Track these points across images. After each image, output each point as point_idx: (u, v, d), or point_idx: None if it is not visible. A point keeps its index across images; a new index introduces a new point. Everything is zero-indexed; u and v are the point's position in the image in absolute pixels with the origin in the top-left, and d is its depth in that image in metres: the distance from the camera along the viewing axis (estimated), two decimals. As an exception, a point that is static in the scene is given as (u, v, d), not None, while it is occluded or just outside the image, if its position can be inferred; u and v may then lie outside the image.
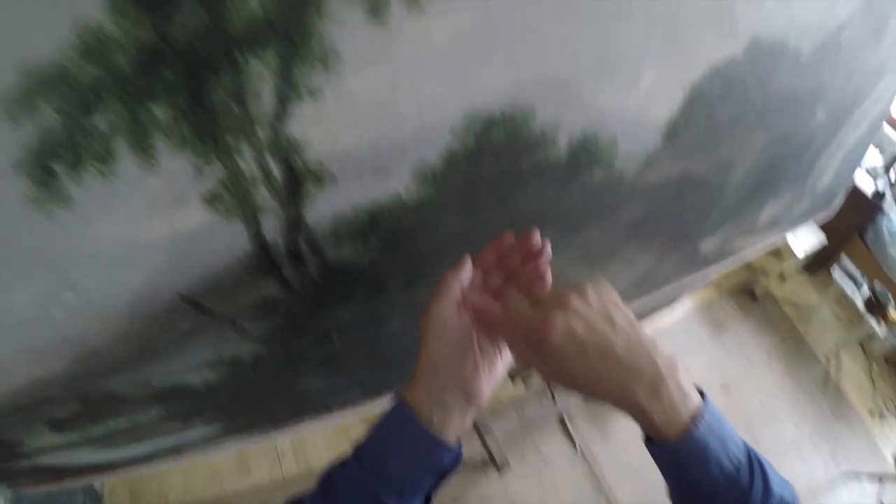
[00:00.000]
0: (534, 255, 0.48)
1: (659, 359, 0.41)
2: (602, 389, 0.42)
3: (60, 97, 0.34)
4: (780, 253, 2.43)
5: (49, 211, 0.38)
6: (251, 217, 0.44)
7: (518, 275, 0.49)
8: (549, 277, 0.49)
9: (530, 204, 0.58)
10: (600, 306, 0.43)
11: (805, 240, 2.39)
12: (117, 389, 0.56)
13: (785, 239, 1.77)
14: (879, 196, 2.32)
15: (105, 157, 0.37)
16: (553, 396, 2.00)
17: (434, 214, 0.51)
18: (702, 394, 0.43)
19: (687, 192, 0.78)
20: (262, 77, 0.37)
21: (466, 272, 0.47)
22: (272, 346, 0.60)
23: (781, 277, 2.63)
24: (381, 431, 0.45)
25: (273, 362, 0.63)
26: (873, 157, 2.41)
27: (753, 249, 1.16)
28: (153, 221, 0.42)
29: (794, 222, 1.16)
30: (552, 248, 0.48)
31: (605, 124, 0.56)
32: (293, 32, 0.36)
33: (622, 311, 0.43)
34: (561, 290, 0.44)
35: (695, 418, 0.41)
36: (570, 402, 1.98)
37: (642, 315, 1.07)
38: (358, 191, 0.45)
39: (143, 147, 0.38)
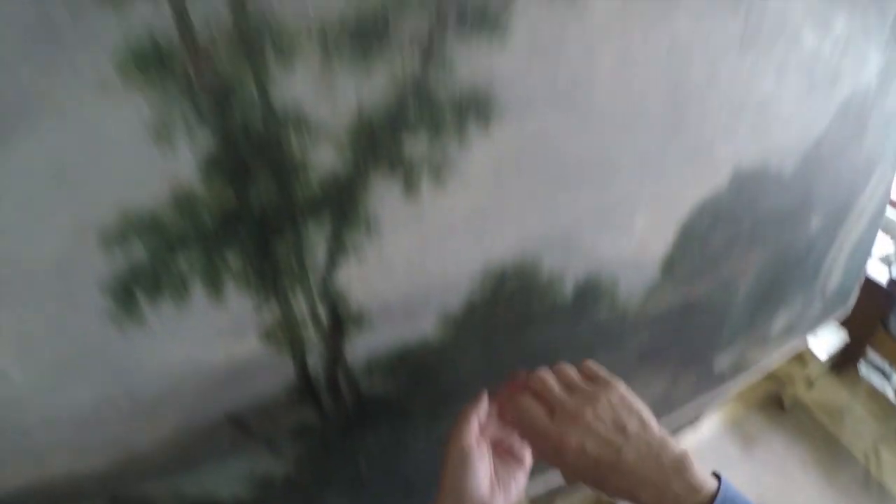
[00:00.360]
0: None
1: (667, 460, 0.44)
2: (612, 491, 0.45)
3: (150, 238, 0.41)
4: (803, 358, 2.38)
5: (124, 327, 0.44)
6: (299, 352, 0.51)
7: None
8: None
9: (543, 339, 0.64)
10: (612, 416, 0.46)
11: (826, 340, 2.32)
12: (149, 492, 0.59)
13: (805, 343, 1.75)
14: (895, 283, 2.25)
15: (180, 290, 0.44)
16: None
17: (456, 353, 0.58)
18: (719, 478, 0.44)
19: (692, 315, 0.83)
20: (316, 238, 0.45)
21: (484, 406, 0.52)
22: (303, 467, 0.64)
23: (808, 383, 2.55)
24: None
25: (303, 482, 0.67)
26: (884, 245, 2.31)
27: (771, 359, 1.17)
28: (213, 347, 0.48)
29: (810, 326, 1.17)
30: None
31: (605, 266, 0.63)
32: (344, 204, 0.45)
33: (635, 413, 0.46)
34: (576, 404, 0.47)
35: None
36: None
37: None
38: (390, 332, 0.52)
39: (214, 285, 0.45)
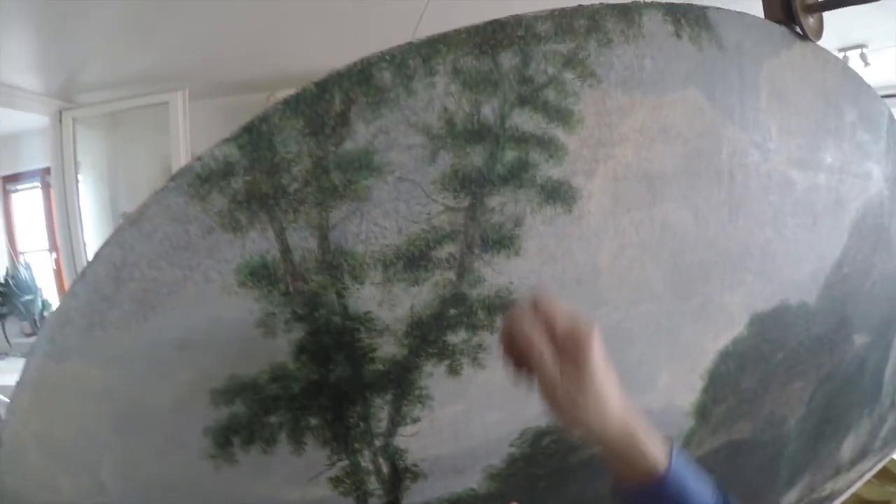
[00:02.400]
0: None
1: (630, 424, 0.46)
2: (606, 411, 0.46)
3: (250, 398, 0.52)
4: (893, 475, 2.15)
5: (218, 465, 0.54)
6: (362, 499, 0.59)
7: None
8: None
9: (584, 490, 0.69)
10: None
11: None
12: None
13: (891, 460, 1.58)
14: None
15: (269, 441, 0.55)
16: None
17: (501, 502, 0.64)
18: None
19: (740, 456, 0.83)
20: (380, 407, 0.56)
21: None
22: None
23: None
24: None
25: None
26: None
27: (853, 487, 1.09)
28: (290, 489, 0.57)
29: (887, 443, 1.11)
30: None
31: (638, 421, 0.68)
32: (402, 383, 0.55)
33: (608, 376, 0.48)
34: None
35: (670, 456, 0.45)
36: None
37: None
38: (441, 484, 0.60)
39: (296, 440, 0.55)
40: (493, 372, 0.57)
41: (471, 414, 0.58)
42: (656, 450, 0.45)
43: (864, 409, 0.97)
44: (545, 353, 0.45)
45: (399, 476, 0.59)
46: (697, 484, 0.45)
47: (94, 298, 0.47)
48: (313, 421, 0.55)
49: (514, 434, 0.60)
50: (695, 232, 0.62)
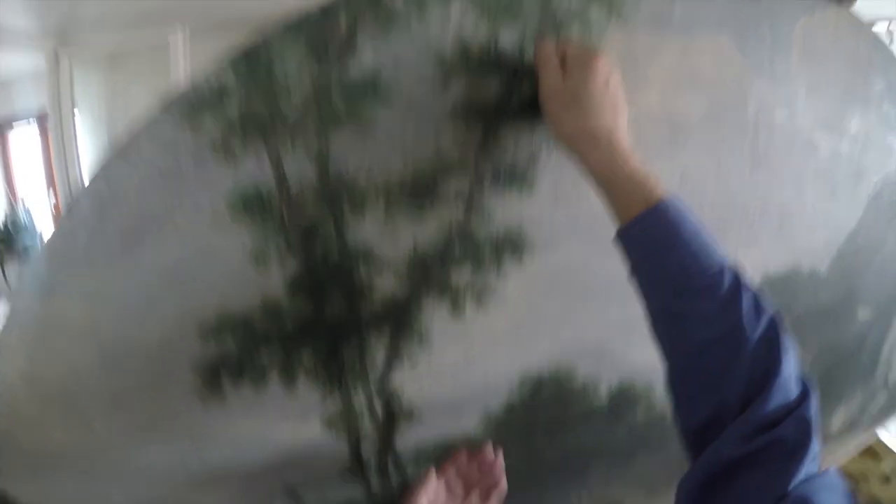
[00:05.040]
0: (489, 466, 0.58)
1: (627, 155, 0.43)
2: (612, 129, 0.44)
3: (241, 334, 0.51)
4: (876, 452, 2.19)
5: (205, 401, 0.53)
6: (354, 438, 0.59)
7: (477, 482, 0.58)
8: (503, 484, 0.58)
9: (581, 442, 0.69)
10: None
11: None
12: None
13: (876, 436, 1.63)
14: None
15: (260, 379, 0.53)
16: None
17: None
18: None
19: None
20: (377, 346, 0.54)
21: (431, 484, 0.56)
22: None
23: (884, 478, 2.33)
24: None
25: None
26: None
27: (836, 457, 1.13)
28: (280, 427, 0.57)
29: (876, 420, 1.12)
30: (605, 478, 0.57)
31: (639, 374, 0.67)
32: (401, 320, 0.54)
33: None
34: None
35: (664, 194, 0.41)
36: None
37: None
38: (437, 428, 0.59)
39: (288, 377, 0.54)
40: (498, 316, 0.55)
41: (471, 358, 0.56)
42: (653, 182, 0.42)
43: (857, 383, 0.97)
44: (553, 60, 0.44)
45: (394, 418, 0.58)
46: (699, 226, 0.42)
47: (81, 234, 0.45)
48: (306, 359, 0.54)
49: (513, 382, 0.59)
50: (715, 185, 0.60)
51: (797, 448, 0.37)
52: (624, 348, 0.64)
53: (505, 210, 0.52)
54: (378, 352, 0.54)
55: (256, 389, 0.54)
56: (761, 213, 0.65)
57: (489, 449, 0.58)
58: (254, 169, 0.46)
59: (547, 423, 0.64)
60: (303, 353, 0.54)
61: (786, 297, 0.72)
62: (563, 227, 0.55)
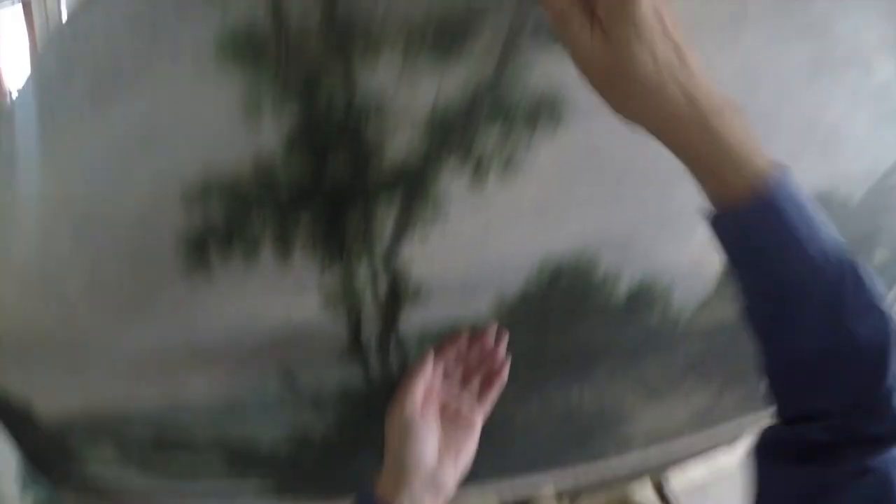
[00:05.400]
0: (490, 352, 0.54)
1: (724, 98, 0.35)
2: (691, 93, 0.34)
3: (229, 199, 0.45)
4: None
5: (193, 278, 0.48)
6: (354, 316, 0.54)
7: (477, 368, 0.55)
8: (505, 372, 0.55)
9: (591, 336, 0.65)
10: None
11: None
12: (192, 430, 0.64)
13: None
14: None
15: (250, 250, 0.48)
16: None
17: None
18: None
19: (744, 333, 0.82)
20: (385, 214, 0.48)
21: (427, 370, 0.53)
22: (342, 427, 0.67)
23: None
24: None
25: (339, 441, 0.70)
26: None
27: None
28: (274, 305, 0.52)
29: None
30: (609, 377, 0.54)
31: (661, 273, 0.62)
32: (414, 187, 0.47)
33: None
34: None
35: (771, 176, 0.33)
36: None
37: (700, 453, 1.07)
38: (445, 310, 0.55)
39: (283, 245, 0.49)
40: (523, 191, 0.49)
41: (489, 235, 0.51)
42: (757, 157, 0.33)
43: None
44: (575, 16, 0.32)
45: (399, 297, 0.53)
46: (811, 213, 0.34)
47: (46, 96, 0.41)
48: (304, 227, 0.48)
49: (532, 267, 0.54)
50: (770, 85, 0.54)
51: None
52: (652, 243, 0.59)
53: (545, 68, 0.44)
54: (386, 222, 0.48)
55: (247, 263, 0.49)
56: (809, 126, 0.59)
57: (491, 333, 0.54)
58: (245, 2, 0.39)
59: (560, 314, 0.59)
60: (300, 222, 0.48)
61: None
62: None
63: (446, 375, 0.56)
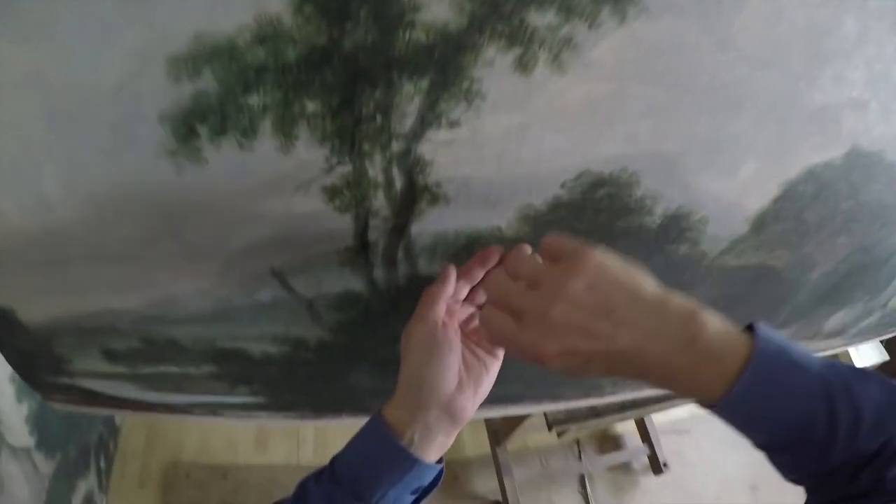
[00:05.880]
0: None
1: (673, 328, 0.36)
2: (621, 377, 0.39)
3: (224, 70, 0.38)
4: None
5: (180, 165, 0.42)
6: (363, 216, 0.48)
7: None
8: None
9: (617, 260, 0.60)
10: (593, 303, 0.37)
11: (867, 355, 2.28)
12: (180, 339, 0.60)
13: (846, 351, 1.72)
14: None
15: (248, 133, 0.41)
16: (580, 456, 1.97)
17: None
18: (752, 328, 0.37)
19: (763, 282, 0.78)
20: (410, 99, 0.41)
21: (450, 287, 0.47)
22: (339, 337, 0.63)
23: None
24: (360, 450, 0.45)
25: (334, 352, 0.66)
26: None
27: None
28: (272, 199, 0.46)
29: (859, 336, 1.11)
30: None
31: (699, 205, 0.58)
32: (448, 65, 0.40)
33: (618, 286, 0.38)
34: (544, 301, 0.38)
35: (728, 382, 0.35)
36: (596, 463, 1.94)
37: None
38: (464, 216, 0.49)
39: (286, 132, 0.42)
40: (574, 85, 0.42)
41: (527, 131, 0.44)
42: (727, 345, 0.36)
43: (866, 294, 0.93)
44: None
45: (415, 194, 0.46)
46: (793, 362, 0.36)
47: None
48: (311, 105, 0.41)
49: (569, 173, 0.47)
50: (853, 18, 0.48)
51: None
52: (699, 170, 0.54)
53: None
54: (409, 105, 0.41)
55: (243, 148, 0.42)
56: (883, 78, 0.53)
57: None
58: None
59: (588, 232, 0.54)
60: (307, 97, 0.41)
61: (862, 178, 0.64)
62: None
63: (472, 296, 0.50)
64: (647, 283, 0.39)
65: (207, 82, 0.39)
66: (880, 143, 0.60)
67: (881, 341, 2.18)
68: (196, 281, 0.52)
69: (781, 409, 0.35)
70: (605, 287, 0.38)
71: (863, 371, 0.37)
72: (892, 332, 1.16)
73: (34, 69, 0.37)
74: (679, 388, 0.37)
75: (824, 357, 0.37)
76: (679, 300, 0.38)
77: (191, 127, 0.41)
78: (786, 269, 0.77)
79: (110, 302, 0.53)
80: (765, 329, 0.37)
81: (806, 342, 1.04)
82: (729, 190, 0.58)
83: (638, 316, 0.37)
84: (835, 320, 0.98)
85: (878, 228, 0.76)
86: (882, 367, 2.32)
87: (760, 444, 0.38)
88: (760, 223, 0.64)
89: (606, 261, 0.39)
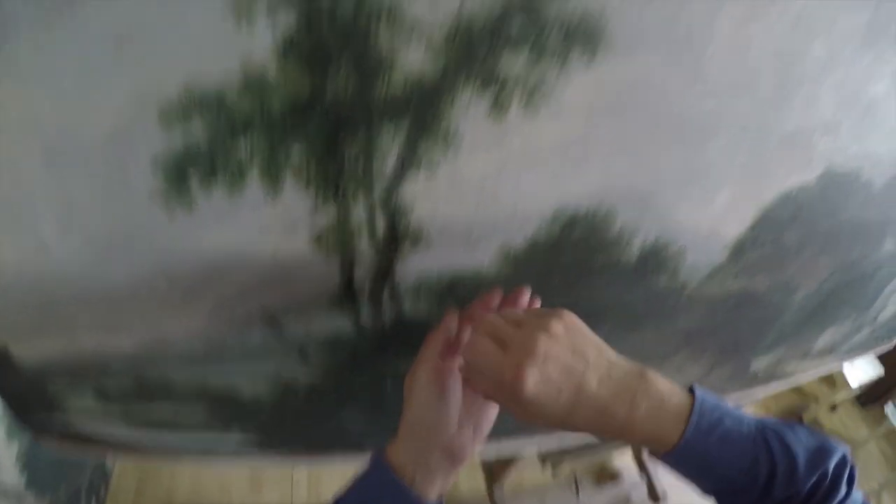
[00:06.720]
0: None
1: (630, 379, 0.41)
2: (580, 425, 0.41)
3: (213, 117, 0.40)
4: (834, 381, 2.34)
5: (171, 209, 0.43)
6: (348, 259, 0.49)
7: None
8: None
9: (595, 297, 0.61)
10: (569, 343, 0.41)
11: (861, 370, 2.29)
12: (173, 379, 0.60)
13: (840, 367, 1.73)
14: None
15: (236, 178, 0.43)
16: (578, 491, 1.95)
17: (507, 290, 0.55)
18: (693, 390, 0.42)
19: (745, 307, 0.79)
20: (390, 143, 0.42)
21: (451, 332, 0.49)
22: (328, 378, 0.64)
23: (832, 406, 2.52)
24: (362, 490, 0.46)
25: (324, 393, 0.67)
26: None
27: (806, 375, 1.13)
28: (260, 242, 0.47)
29: (852, 352, 1.12)
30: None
31: (677, 235, 0.59)
32: (426, 113, 0.42)
33: (590, 339, 0.43)
34: (528, 333, 0.42)
35: (680, 429, 0.39)
36: (594, 498, 1.92)
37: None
38: (446, 257, 0.50)
39: (272, 178, 0.43)
40: (547, 126, 0.44)
41: (504, 172, 0.45)
42: (672, 403, 0.41)
43: (854, 311, 0.95)
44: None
45: (398, 237, 0.47)
46: (725, 423, 0.40)
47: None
48: (297, 154, 0.42)
49: (546, 212, 0.49)
50: (824, 44, 0.50)
51: None
52: (674, 202, 0.55)
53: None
54: (390, 151, 0.43)
55: (232, 194, 0.43)
56: (850, 98, 0.55)
57: (524, 295, 0.49)
58: None
59: (568, 268, 0.55)
60: (293, 146, 0.42)
61: (838, 198, 0.65)
62: (651, 33, 0.43)
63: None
64: (607, 345, 0.44)
65: (197, 129, 0.40)
66: (854, 162, 0.62)
67: (877, 358, 2.19)
68: (188, 322, 0.52)
69: (726, 453, 0.39)
70: (580, 336, 0.43)
71: (791, 422, 0.42)
72: (885, 346, 1.16)
73: (31, 113, 0.39)
74: (635, 437, 0.41)
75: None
76: (630, 362, 0.43)
77: (182, 173, 0.42)
78: (768, 293, 0.79)
79: (103, 342, 0.53)
80: (700, 388, 0.42)
81: (797, 361, 1.04)
82: (705, 219, 0.59)
83: (603, 364, 0.42)
84: (825, 338, 0.99)
85: (859, 245, 0.77)
86: (878, 382, 2.33)
87: (709, 490, 0.42)
88: (739, 250, 0.65)
89: (579, 320, 0.44)
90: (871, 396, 2.52)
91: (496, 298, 0.49)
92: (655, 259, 0.60)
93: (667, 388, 0.41)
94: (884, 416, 2.49)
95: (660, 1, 0.42)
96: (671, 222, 0.57)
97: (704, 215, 0.59)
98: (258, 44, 0.38)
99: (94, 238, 0.45)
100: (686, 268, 0.64)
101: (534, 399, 0.40)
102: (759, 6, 0.45)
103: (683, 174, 0.53)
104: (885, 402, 2.50)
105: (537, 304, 0.51)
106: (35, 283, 0.47)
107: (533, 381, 0.40)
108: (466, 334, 0.50)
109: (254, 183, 0.43)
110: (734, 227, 0.63)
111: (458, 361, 0.49)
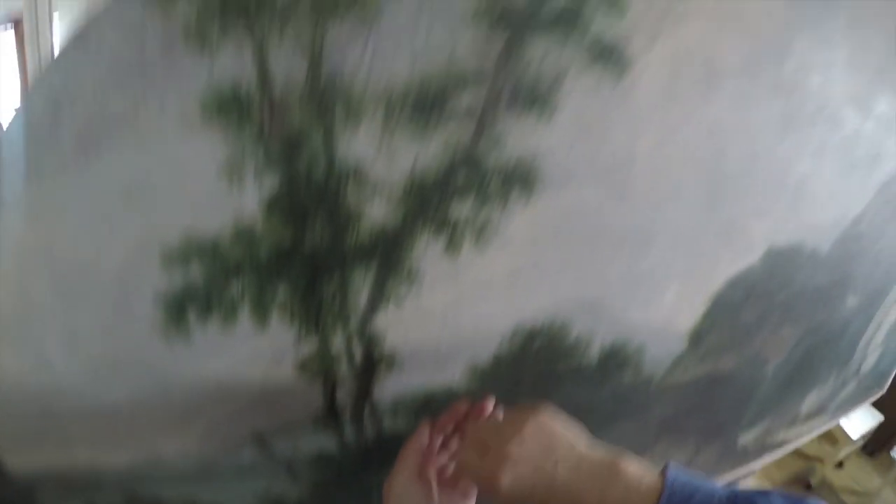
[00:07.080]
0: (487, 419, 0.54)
1: (601, 469, 0.44)
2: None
3: (208, 262, 0.45)
4: (835, 437, 2.29)
5: (170, 339, 0.47)
6: (330, 384, 0.53)
7: None
8: None
9: (564, 400, 0.64)
10: (539, 443, 0.45)
11: (860, 422, 2.25)
12: (165, 497, 0.61)
13: (838, 423, 1.71)
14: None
15: (229, 313, 0.47)
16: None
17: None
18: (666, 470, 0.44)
19: (717, 388, 0.82)
20: (361, 283, 0.48)
21: (424, 440, 0.53)
22: (317, 494, 0.66)
23: (838, 464, 2.46)
24: None
25: (313, 508, 0.69)
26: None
27: (800, 439, 1.14)
28: (250, 369, 0.51)
29: (843, 408, 1.14)
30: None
31: (633, 334, 0.64)
32: (390, 255, 0.47)
33: (559, 439, 0.46)
34: (504, 440, 0.46)
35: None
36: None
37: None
38: (418, 378, 0.54)
39: (261, 313, 0.48)
40: (497, 258, 0.50)
41: (463, 303, 0.51)
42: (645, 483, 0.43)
43: (833, 368, 0.98)
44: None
45: (373, 363, 0.52)
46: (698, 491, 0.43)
47: (30, 142, 0.39)
48: (282, 293, 0.48)
49: (505, 332, 0.54)
50: (741, 144, 0.56)
51: None
52: (624, 305, 0.60)
53: (519, 137, 0.46)
54: (362, 289, 0.48)
55: (225, 327, 0.48)
56: (779, 182, 0.61)
57: (489, 403, 0.54)
58: (233, 63, 0.39)
59: (534, 377, 0.60)
60: (278, 287, 0.47)
61: (787, 272, 0.70)
62: (579, 166, 0.49)
63: (444, 442, 0.56)
64: (581, 438, 0.47)
65: (195, 271, 0.45)
66: (795, 235, 0.67)
67: (873, 405, 2.16)
68: (182, 441, 0.55)
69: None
70: (550, 435, 0.46)
71: (766, 490, 0.43)
72: (876, 393, 1.18)
73: (44, 244, 0.43)
74: None
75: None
76: (603, 451, 0.46)
77: (181, 308, 0.46)
78: (738, 370, 0.82)
79: (98, 457, 0.55)
80: (675, 468, 0.44)
81: (787, 429, 1.06)
82: (658, 316, 0.64)
83: (573, 458, 0.45)
84: (811, 400, 1.02)
85: (821, 309, 0.81)
86: (881, 428, 2.30)
87: None
88: (698, 337, 0.70)
89: (550, 418, 0.48)
90: (877, 444, 2.46)
91: (462, 409, 0.54)
92: (616, 358, 0.64)
93: (638, 473, 0.43)
94: (892, 462, 2.42)
95: (584, 137, 0.48)
96: (625, 324, 0.62)
97: (656, 313, 0.64)
98: (247, 201, 0.43)
99: (96, 360, 0.48)
100: (648, 362, 0.68)
101: (509, 496, 0.44)
102: (672, 126, 0.51)
103: (628, 281, 0.59)
104: (892, 447, 2.44)
105: (499, 414, 0.55)
106: (35, 395, 0.49)
107: (507, 482, 0.44)
108: (438, 441, 0.54)
109: (244, 318, 0.48)
110: (688, 317, 0.67)
111: (433, 466, 0.53)
